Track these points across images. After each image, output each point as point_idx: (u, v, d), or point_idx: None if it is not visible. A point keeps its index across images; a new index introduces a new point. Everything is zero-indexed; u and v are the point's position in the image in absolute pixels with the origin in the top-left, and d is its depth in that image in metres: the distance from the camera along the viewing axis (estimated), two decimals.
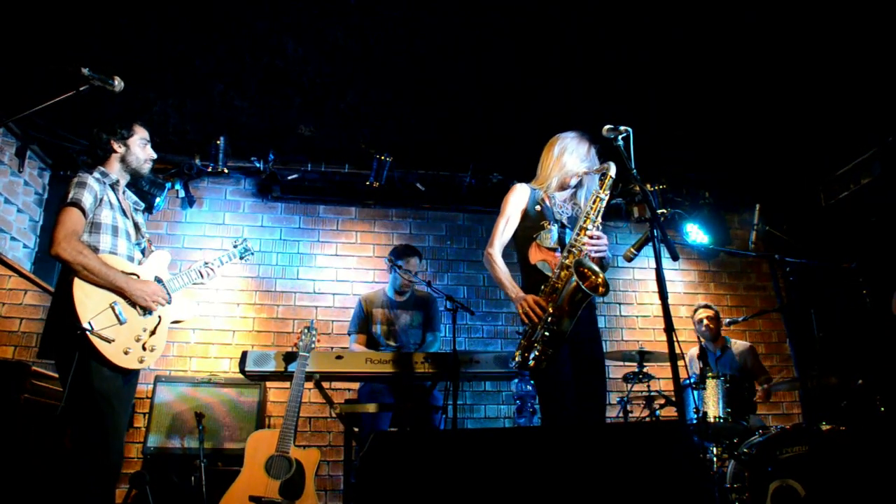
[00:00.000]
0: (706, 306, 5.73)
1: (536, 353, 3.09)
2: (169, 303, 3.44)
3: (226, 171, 5.80)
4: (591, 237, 3.24)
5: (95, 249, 3.23)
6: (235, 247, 4.11)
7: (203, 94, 5.16)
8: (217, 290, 5.91)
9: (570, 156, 3.47)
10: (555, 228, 3.40)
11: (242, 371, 4.18)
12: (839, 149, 5.97)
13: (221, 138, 5.69)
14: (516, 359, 3.14)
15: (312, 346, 4.22)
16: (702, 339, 5.63)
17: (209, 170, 5.81)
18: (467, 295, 6.37)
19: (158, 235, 5.93)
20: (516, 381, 5.35)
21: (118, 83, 3.31)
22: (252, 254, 4.19)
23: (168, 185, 5.87)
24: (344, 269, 6.23)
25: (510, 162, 6.08)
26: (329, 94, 5.19)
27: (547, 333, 3.08)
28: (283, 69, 4.87)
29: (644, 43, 4.65)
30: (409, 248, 5.28)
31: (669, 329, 2.66)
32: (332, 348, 5.87)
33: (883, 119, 5.44)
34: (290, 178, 6.09)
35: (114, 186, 3.46)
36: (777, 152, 6.02)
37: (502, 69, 4.93)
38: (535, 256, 3.39)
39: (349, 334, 5.20)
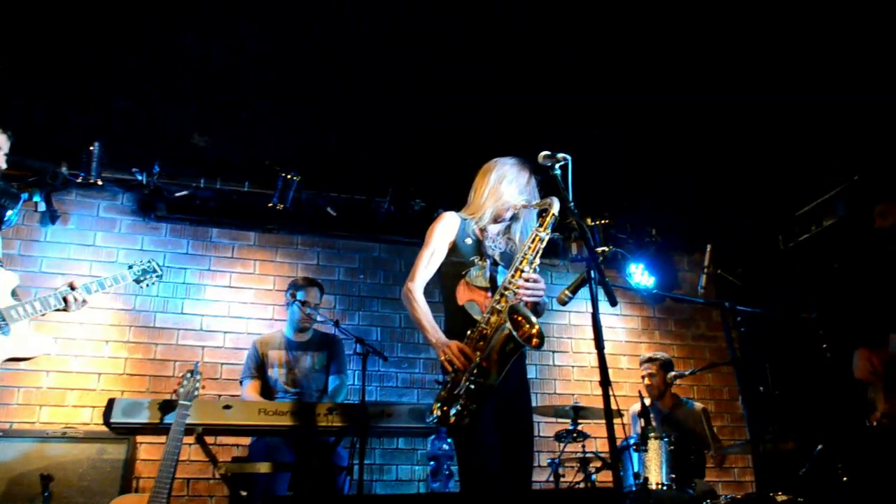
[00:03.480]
0: (650, 360, 5.86)
1: (458, 408, 3.09)
2: (4, 334, 3.29)
3: (100, 182, 5.68)
4: (527, 280, 3.28)
5: None
6: (131, 268, 3.98)
7: (76, 89, 5.03)
8: (82, 325, 5.72)
9: (508, 185, 3.52)
10: (487, 265, 3.45)
11: (107, 423, 4.03)
12: (800, 186, 6.27)
13: (96, 144, 5.57)
14: (435, 413, 3.13)
15: (196, 393, 4.12)
16: (648, 396, 5.76)
17: (79, 180, 5.67)
18: (381, 337, 6.39)
19: (9, 256, 5.70)
20: (432, 437, 5.35)
21: None
22: (159, 277, 4.06)
23: (24, 196, 5.67)
24: (238, 303, 6.18)
25: (436, 188, 6.18)
26: (231, 99, 5.16)
27: (472, 386, 3.08)
28: (178, 66, 4.81)
29: (586, 64, 4.81)
30: (308, 278, 5.41)
31: (605, 382, 2.70)
32: (219, 396, 5.77)
33: (849, 155, 5.73)
34: (178, 194, 6.00)
35: None
36: (732, 188, 6.28)
37: (433, 84, 5.01)
38: (463, 296, 3.42)
39: (241, 381, 5.16)
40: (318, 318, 5.20)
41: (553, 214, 3.29)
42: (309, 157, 5.89)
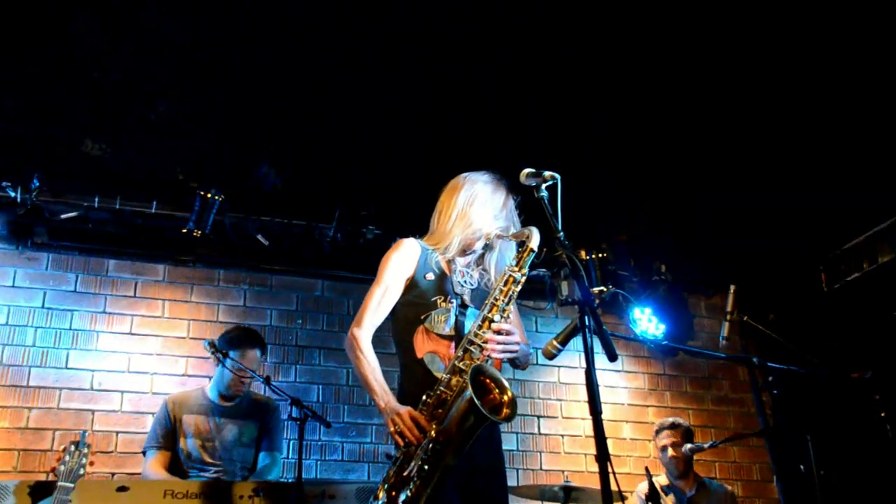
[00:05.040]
0: (672, 426, 5.82)
1: (409, 494, 3.07)
2: None
3: None
4: (497, 331, 3.30)
5: None
6: None
7: None
8: None
9: (480, 208, 3.57)
10: (453, 307, 3.47)
11: None
12: (849, 215, 6.33)
13: None
14: (380, 498, 3.13)
15: (81, 471, 4.08)
16: (667, 474, 5.76)
17: None
18: (323, 397, 6.39)
19: None
20: None
21: None
22: None
23: None
24: (142, 354, 6.14)
25: (394, 211, 6.20)
26: (135, 97, 5.16)
27: (425, 466, 3.06)
28: (68, 56, 4.78)
29: (579, 59, 4.88)
30: (248, 333, 5.35)
31: (603, 457, 2.66)
32: (113, 475, 5.71)
33: None
34: (64, 216, 5.98)
35: None
36: (763, 214, 6.30)
37: (388, 82, 5.05)
38: (422, 346, 3.44)
39: (144, 452, 5.12)
40: (250, 382, 5.20)
41: (531, 250, 3.33)
42: (234, 172, 5.89)
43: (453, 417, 3.11)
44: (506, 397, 3.15)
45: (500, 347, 3.30)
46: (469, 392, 3.04)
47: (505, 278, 3.35)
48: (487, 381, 3.18)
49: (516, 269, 3.35)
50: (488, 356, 3.29)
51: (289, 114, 5.37)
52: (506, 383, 3.20)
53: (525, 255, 3.34)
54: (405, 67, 4.95)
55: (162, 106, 5.27)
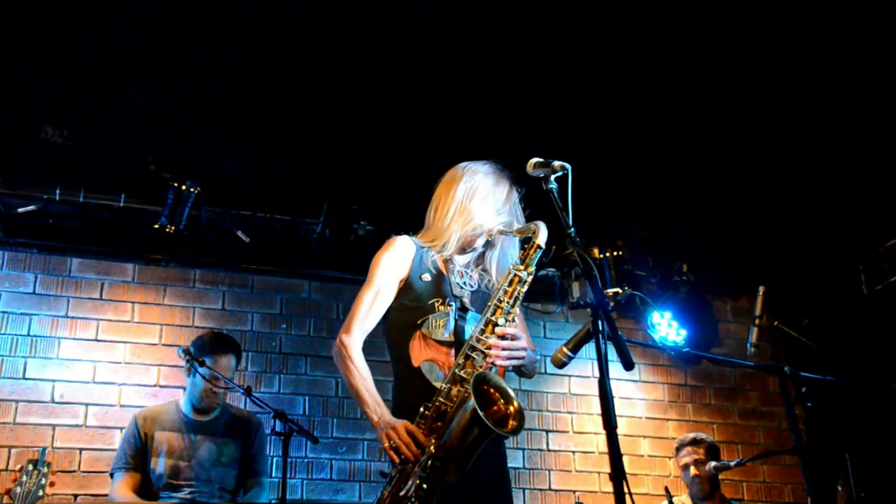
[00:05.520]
0: (695, 442, 5.77)
1: None
2: None
3: None
4: (502, 336, 3.27)
5: None
6: None
7: None
8: None
9: (481, 202, 3.55)
10: (452, 311, 3.44)
11: None
12: (892, 210, 6.26)
13: None
14: None
15: (41, 493, 4.02)
16: (689, 495, 5.72)
17: None
18: (310, 410, 6.38)
19: None
20: None
21: None
22: None
23: None
24: (109, 363, 6.10)
25: (388, 204, 6.16)
26: (103, 77, 5.10)
27: (423, 485, 3.03)
28: (25, 31, 4.73)
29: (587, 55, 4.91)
30: (221, 338, 5.33)
31: (619, 475, 2.62)
32: (75, 497, 5.70)
33: None
34: (21, 210, 5.94)
35: None
36: (795, 207, 6.28)
37: (383, 69, 5.07)
38: (419, 354, 3.41)
39: (112, 473, 5.08)
40: (224, 390, 5.15)
41: (538, 246, 3.30)
42: (212, 161, 5.89)
43: (454, 431, 3.08)
44: (512, 408, 3.13)
45: (506, 354, 3.28)
46: (472, 402, 3.01)
47: (510, 278, 3.33)
48: (491, 390, 3.15)
49: (522, 267, 3.32)
50: (492, 364, 3.26)
51: (271, 99, 5.35)
52: (512, 393, 3.17)
53: (532, 252, 3.31)
54: (397, 56, 4.98)
55: (133, 89, 5.22)
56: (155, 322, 6.30)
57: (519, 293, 3.32)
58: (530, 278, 3.33)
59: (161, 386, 6.06)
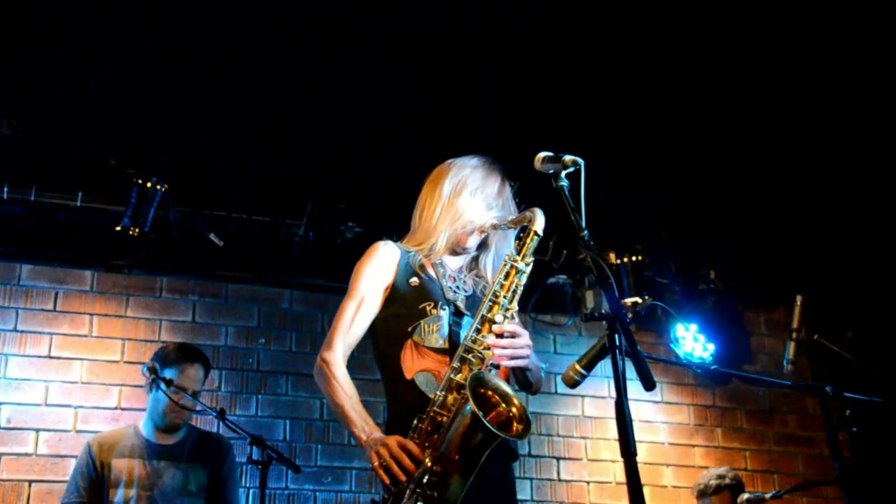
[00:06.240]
0: (718, 490, 5.76)
1: None
2: None
3: None
4: (500, 334, 3.25)
5: None
6: None
7: None
8: None
9: (470, 197, 3.57)
10: (446, 315, 3.43)
11: None
12: None
13: None
14: None
15: None
16: None
17: None
18: (291, 436, 6.39)
19: None
20: None
21: None
22: None
23: None
24: (63, 384, 6.10)
25: (378, 204, 6.18)
26: (58, 60, 5.12)
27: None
28: None
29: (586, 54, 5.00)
30: (187, 348, 5.31)
31: None
32: None
33: None
34: None
35: None
36: (835, 204, 6.27)
37: (375, 64, 5.15)
38: (411, 365, 3.40)
39: None
40: (196, 408, 5.13)
41: (534, 233, 3.28)
42: (182, 156, 5.92)
43: (453, 439, 3.05)
44: (514, 409, 3.09)
45: (508, 353, 3.25)
46: (470, 406, 2.97)
47: (506, 270, 3.33)
48: (489, 392, 3.12)
49: (518, 257, 3.32)
50: (492, 365, 3.25)
51: (248, 87, 5.40)
52: (512, 392, 3.14)
53: (528, 240, 3.30)
54: (397, 56, 5.09)
55: (92, 74, 5.23)
56: (116, 336, 6.31)
57: (517, 286, 3.31)
58: (528, 269, 3.33)
59: (122, 408, 6.06)
